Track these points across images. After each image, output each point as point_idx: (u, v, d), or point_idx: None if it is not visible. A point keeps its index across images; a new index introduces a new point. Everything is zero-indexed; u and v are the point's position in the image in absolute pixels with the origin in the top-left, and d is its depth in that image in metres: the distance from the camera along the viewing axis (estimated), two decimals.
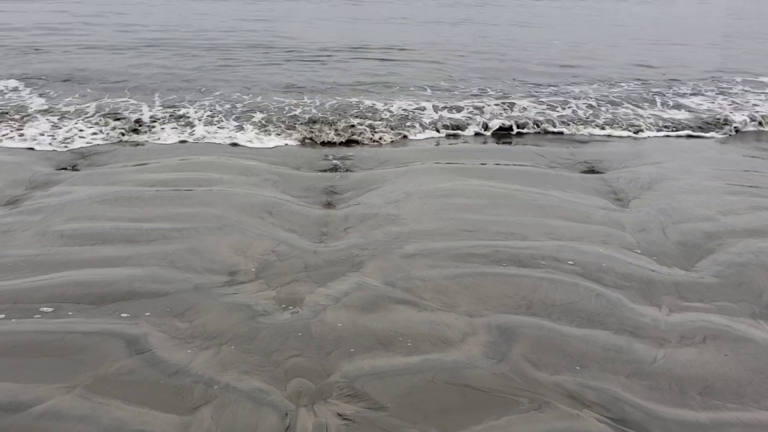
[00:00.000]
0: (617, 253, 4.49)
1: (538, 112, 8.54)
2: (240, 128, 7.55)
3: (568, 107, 8.85)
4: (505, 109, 8.56)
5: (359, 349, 3.27)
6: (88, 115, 7.82)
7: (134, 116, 7.80)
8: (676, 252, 4.57)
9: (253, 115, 8.01)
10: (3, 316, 3.46)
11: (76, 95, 8.81)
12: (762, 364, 3.27)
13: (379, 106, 8.56)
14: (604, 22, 22.19)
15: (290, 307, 3.64)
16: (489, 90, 9.82)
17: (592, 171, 6.47)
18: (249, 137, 7.32)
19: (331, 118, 7.86)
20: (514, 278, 4.07)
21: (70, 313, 3.51)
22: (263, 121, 7.77)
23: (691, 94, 9.90)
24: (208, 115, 7.92)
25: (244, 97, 8.94)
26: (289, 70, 11.15)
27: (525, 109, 8.65)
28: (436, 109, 8.55)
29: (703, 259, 4.46)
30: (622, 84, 10.62)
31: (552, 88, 10.13)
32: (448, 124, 8.06)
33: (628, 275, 4.17)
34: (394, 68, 11.61)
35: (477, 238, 4.66)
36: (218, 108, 8.29)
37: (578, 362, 3.22)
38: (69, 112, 7.93)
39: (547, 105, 8.89)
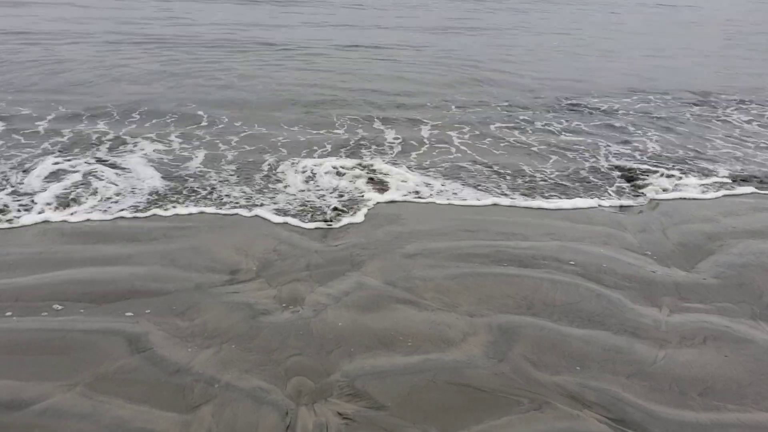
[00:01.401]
0: (618, 254, 4.49)
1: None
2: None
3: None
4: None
5: (360, 348, 3.27)
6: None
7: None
8: (677, 253, 4.57)
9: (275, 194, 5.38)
10: (9, 313, 3.47)
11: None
12: (762, 366, 3.27)
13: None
14: (601, 27, 22.14)
15: (291, 306, 3.64)
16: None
17: None
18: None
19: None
20: (515, 278, 4.07)
21: (72, 311, 3.51)
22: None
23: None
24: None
25: (244, 128, 7.31)
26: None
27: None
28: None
29: (703, 260, 4.47)
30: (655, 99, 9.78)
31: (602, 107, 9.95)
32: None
33: (629, 276, 4.17)
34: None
35: (478, 238, 4.66)
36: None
37: (579, 362, 3.23)
38: None
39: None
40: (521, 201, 5.45)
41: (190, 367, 3.06)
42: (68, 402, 2.80)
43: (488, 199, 5.45)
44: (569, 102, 9.43)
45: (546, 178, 6.10)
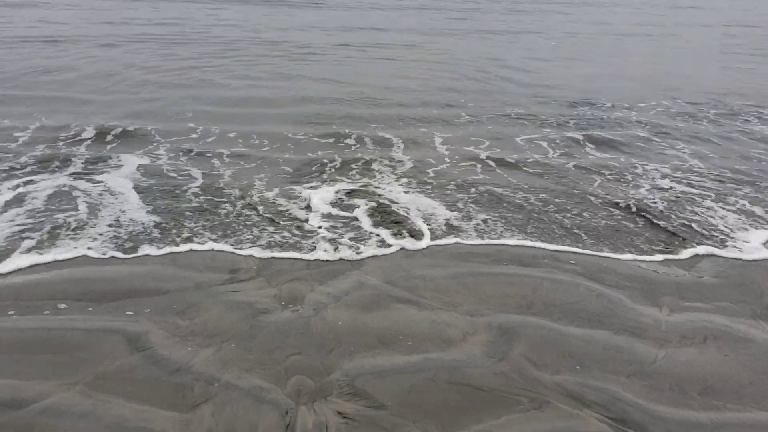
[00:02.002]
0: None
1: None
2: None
3: None
4: None
5: (360, 347, 3.27)
6: None
7: None
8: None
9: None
10: (12, 312, 3.46)
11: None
12: (762, 365, 3.27)
13: None
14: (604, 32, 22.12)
15: (291, 306, 3.64)
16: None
17: None
18: None
19: None
20: (515, 278, 4.07)
21: (72, 310, 3.51)
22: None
23: None
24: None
25: (240, 140, 6.70)
26: None
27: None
28: None
29: (703, 260, 4.47)
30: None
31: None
32: None
33: (629, 275, 4.17)
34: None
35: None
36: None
37: (579, 362, 3.23)
38: None
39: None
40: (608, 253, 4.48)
41: (190, 366, 3.06)
42: (68, 401, 2.80)
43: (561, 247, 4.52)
44: (584, 109, 9.04)
45: (621, 218, 5.15)
